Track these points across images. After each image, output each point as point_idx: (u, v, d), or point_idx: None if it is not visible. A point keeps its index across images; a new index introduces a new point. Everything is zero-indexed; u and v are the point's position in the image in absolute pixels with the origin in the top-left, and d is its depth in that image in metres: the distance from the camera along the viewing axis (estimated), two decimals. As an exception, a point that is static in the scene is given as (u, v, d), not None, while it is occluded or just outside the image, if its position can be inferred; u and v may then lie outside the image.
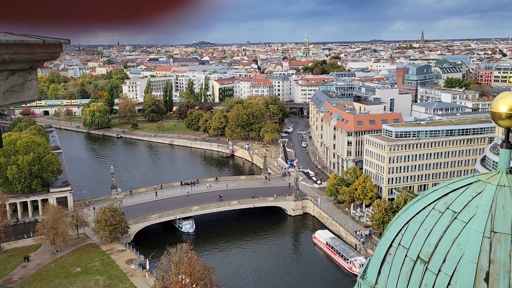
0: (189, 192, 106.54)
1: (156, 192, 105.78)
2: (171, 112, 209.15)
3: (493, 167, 65.32)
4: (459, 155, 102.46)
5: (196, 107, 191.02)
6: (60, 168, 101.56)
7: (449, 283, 12.82)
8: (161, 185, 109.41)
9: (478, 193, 13.57)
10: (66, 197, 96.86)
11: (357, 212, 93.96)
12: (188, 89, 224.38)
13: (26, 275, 71.97)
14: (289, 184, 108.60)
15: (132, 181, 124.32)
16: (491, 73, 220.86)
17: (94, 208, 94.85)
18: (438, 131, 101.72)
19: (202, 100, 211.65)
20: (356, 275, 18.76)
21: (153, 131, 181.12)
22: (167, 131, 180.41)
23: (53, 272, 73.14)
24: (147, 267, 73.19)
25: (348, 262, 77.13)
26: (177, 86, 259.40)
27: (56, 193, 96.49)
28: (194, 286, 59.17)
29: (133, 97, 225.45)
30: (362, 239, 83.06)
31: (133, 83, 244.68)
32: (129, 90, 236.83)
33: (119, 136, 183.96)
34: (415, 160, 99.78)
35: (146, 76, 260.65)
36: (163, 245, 73.43)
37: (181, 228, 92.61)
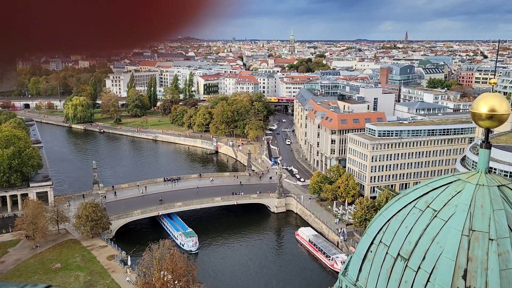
0: (172, 187, 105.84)
1: (139, 188, 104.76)
2: (155, 108, 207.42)
3: (473, 167, 66.50)
4: (440, 155, 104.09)
5: (181, 103, 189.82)
6: (40, 163, 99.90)
7: (428, 280, 13.04)
8: (145, 183, 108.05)
9: (458, 192, 13.81)
10: (47, 192, 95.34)
11: (339, 209, 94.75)
12: (173, 85, 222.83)
13: (4, 271, 70.70)
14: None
15: (114, 177, 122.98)
16: (472, 74, 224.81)
17: (75, 203, 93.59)
18: (420, 130, 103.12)
19: (187, 96, 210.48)
20: (338, 272, 18.93)
21: (136, 126, 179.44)
22: (151, 126, 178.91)
23: (32, 268, 72.00)
24: (129, 263, 72.65)
25: (330, 259, 77.76)
26: (161, 81, 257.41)
27: (36, 188, 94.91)
28: (176, 282, 58.99)
29: (116, 92, 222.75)
30: (344, 237, 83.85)
31: (116, 77, 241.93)
32: (112, 85, 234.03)
33: (102, 131, 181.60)
34: (397, 159, 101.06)
35: (130, 71, 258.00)
36: (145, 241, 73.06)
37: (183, 245, 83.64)
